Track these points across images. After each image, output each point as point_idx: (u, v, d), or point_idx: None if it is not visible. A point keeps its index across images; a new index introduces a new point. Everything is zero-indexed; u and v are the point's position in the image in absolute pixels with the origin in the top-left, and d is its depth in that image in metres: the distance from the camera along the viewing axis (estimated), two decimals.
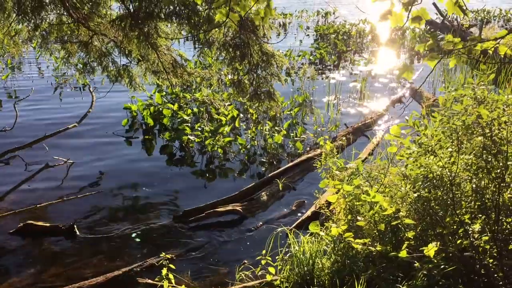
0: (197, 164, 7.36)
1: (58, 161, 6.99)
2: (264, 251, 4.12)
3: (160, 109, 8.74)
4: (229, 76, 8.09)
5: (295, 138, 7.90)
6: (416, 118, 3.67)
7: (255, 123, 8.62)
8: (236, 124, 8.34)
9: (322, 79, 12.35)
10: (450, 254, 3.14)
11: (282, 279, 3.91)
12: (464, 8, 2.46)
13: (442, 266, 3.04)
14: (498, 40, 2.58)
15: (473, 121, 3.29)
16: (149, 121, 8.54)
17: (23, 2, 5.77)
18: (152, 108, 8.77)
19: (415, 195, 3.44)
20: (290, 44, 15.51)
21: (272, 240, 4.61)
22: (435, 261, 3.03)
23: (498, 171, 3.15)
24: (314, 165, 5.04)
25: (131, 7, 5.69)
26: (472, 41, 2.57)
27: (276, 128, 8.20)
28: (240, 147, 7.55)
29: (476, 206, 3.30)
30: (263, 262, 3.99)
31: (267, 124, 8.20)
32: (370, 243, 3.46)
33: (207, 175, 7.02)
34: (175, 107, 8.69)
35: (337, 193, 3.85)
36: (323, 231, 3.85)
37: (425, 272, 3.04)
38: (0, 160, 7.00)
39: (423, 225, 3.49)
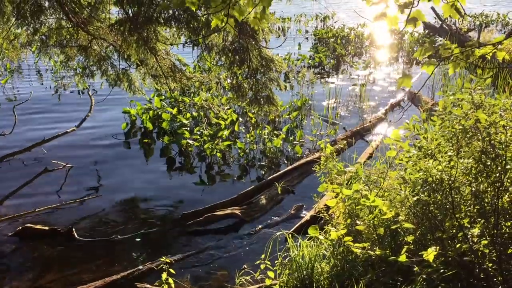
0: (196, 168, 7.36)
1: (57, 165, 6.98)
2: (263, 255, 4.12)
3: (159, 113, 8.75)
4: (228, 80, 8.10)
5: (294, 142, 7.90)
6: (415, 122, 3.67)
7: (254, 127, 8.62)
8: (236, 128, 8.35)
9: (321, 83, 12.37)
10: (450, 258, 3.15)
11: (281, 284, 3.90)
12: (462, 11, 2.47)
13: (441, 270, 3.04)
14: (496, 45, 2.58)
15: (471, 125, 3.30)
16: (148, 125, 8.55)
17: (22, 7, 5.78)
18: (151, 112, 8.78)
19: (414, 199, 3.45)
20: (289, 48, 15.54)
21: (271, 244, 4.60)
22: (435, 265, 3.03)
23: (497, 175, 3.16)
24: (313, 168, 5.04)
25: (130, 11, 5.70)
26: (470, 47, 2.58)
27: (275, 132, 8.21)
28: (239, 151, 7.55)
29: (475, 210, 3.30)
30: (262, 266, 3.99)
31: (266, 128, 8.20)
32: (369, 247, 3.47)
33: (205, 178, 7.01)
34: (174, 111, 8.70)
35: (336, 197, 3.85)
36: (322, 235, 3.85)
37: (424, 277, 3.04)
38: None
39: (422, 229, 3.49)
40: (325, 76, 13.27)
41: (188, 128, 8.22)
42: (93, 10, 6.21)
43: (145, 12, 5.55)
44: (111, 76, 6.96)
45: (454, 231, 3.29)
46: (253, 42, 5.76)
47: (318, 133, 8.53)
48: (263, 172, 7.18)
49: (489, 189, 3.27)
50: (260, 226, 5.65)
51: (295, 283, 3.84)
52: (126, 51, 6.22)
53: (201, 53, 6.25)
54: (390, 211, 3.42)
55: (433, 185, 3.36)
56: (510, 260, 3.14)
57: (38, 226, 5.45)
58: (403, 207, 3.60)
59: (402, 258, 3.11)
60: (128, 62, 6.90)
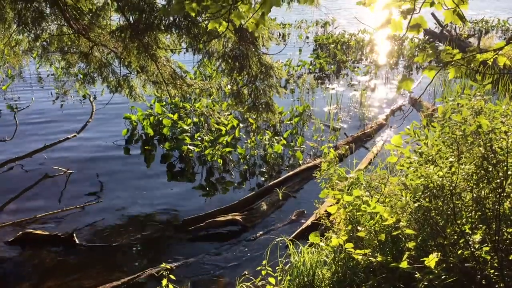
0: (196, 174, 7.35)
1: (58, 171, 6.99)
2: (264, 261, 4.10)
3: (160, 119, 8.76)
4: (229, 86, 8.10)
5: (295, 148, 7.90)
6: (416, 128, 3.67)
7: (254, 133, 8.62)
8: (236, 134, 8.35)
9: (322, 89, 12.38)
10: (451, 265, 3.13)
11: None
12: (463, 17, 2.48)
13: (443, 277, 3.03)
14: (497, 52, 2.59)
15: (472, 131, 3.29)
16: (149, 131, 8.55)
17: (24, 13, 5.80)
18: (152, 118, 8.79)
19: (416, 205, 3.43)
20: (290, 54, 15.58)
21: (272, 250, 4.59)
22: (436, 271, 3.02)
23: (498, 181, 3.15)
24: (314, 174, 5.04)
25: (131, 18, 5.72)
26: (471, 52, 2.58)
27: (276, 138, 8.21)
28: (240, 157, 7.55)
29: (476, 216, 3.29)
30: (263, 272, 3.97)
31: (266, 134, 8.21)
32: (370, 253, 3.45)
33: (206, 184, 7.01)
34: (175, 117, 8.71)
35: (337, 203, 3.84)
36: (323, 242, 3.84)
37: (426, 283, 3.02)
38: (0, 170, 6.99)
39: (423, 235, 3.47)
40: (325, 82, 13.29)
41: (189, 134, 8.23)
42: (94, 16, 6.23)
43: (146, 19, 5.57)
44: (112, 83, 6.97)
45: (455, 237, 3.27)
46: (253, 49, 5.77)
47: (319, 139, 8.53)
48: (263, 178, 7.18)
49: (490, 195, 3.26)
50: (261, 232, 5.64)
51: None
52: (127, 57, 6.23)
53: (202, 59, 6.26)
54: (391, 217, 3.41)
55: (434, 191, 3.35)
56: None
57: (39, 232, 5.46)
58: (404, 213, 3.59)
59: (404, 264, 3.10)
60: (129, 69, 6.92)
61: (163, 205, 6.31)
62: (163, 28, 5.68)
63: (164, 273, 4.07)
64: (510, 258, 3.11)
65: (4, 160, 7.03)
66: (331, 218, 4.80)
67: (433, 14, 18.28)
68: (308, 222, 5.60)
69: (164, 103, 9.52)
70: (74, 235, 5.38)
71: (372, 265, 3.46)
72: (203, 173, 7.37)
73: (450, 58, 2.64)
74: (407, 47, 17.00)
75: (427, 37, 18.02)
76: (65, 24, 6.18)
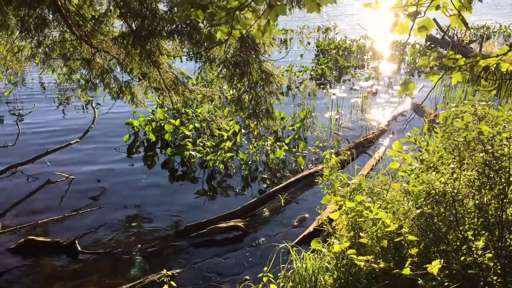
0: (198, 180, 7.35)
1: (60, 176, 7.00)
2: (266, 268, 4.09)
3: (162, 124, 8.77)
4: (231, 92, 8.11)
5: (297, 153, 7.90)
6: (417, 134, 3.67)
7: (256, 138, 8.63)
8: (238, 140, 8.35)
9: (324, 94, 12.39)
10: (454, 271, 3.12)
11: None
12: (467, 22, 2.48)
13: (446, 283, 3.01)
14: (500, 57, 2.59)
15: (474, 137, 3.29)
16: (150, 137, 8.56)
17: (26, 20, 5.83)
18: (154, 123, 8.80)
19: (418, 211, 3.43)
20: (291, 60, 15.60)
21: (274, 256, 4.58)
22: (439, 278, 3.00)
23: (501, 187, 3.14)
24: (316, 180, 5.03)
25: (133, 25, 5.74)
26: (474, 58, 2.58)
27: (277, 143, 8.21)
28: (241, 162, 7.55)
29: (479, 223, 3.28)
30: (264, 279, 3.96)
31: (268, 139, 8.21)
32: (373, 260, 3.44)
33: (208, 190, 7.00)
34: (177, 122, 8.72)
35: (339, 209, 3.84)
36: (326, 248, 3.83)
37: None
38: (2, 175, 7.00)
39: (426, 242, 3.46)
40: (327, 87, 13.30)
41: (191, 140, 8.23)
42: (96, 23, 6.26)
43: (148, 25, 5.59)
44: (113, 89, 6.98)
45: (458, 243, 3.26)
46: (254, 55, 5.78)
47: (321, 145, 8.52)
48: (265, 184, 7.17)
49: (493, 201, 3.25)
50: (263, 238, 5.63)
51: None
52: (129, 64, 6.25)
53: (203, 64, 6.27)
54: (394, 223, 3.40)
55: (436, 197, 3.34)
56: None
57: (41, 238, 5.45)
58: (407, 219, 3.58)
59: (406, 271, 3.09)
60: (131, 75, 6.94)
61: (165, 211, 6.30)
62: (165, 35, 5.69)
63: (166, 280, 4.06)
64: None
65: (6, 165, 7.04)
66: (333, 224, 4.79)
67: (435, 20, 18.30)
68: (310, 228, 5.59)
69: (166, 108, 9.53)
70: (76, 241, 5.37)
71: (375, 271, 3.44)
72: (204, 179, 7.36)
73: (453, 64, 2.64)
74: (409, 53, 17.01)
75: (428, 42, 18.03)
76: (68, 30, 6.21)
